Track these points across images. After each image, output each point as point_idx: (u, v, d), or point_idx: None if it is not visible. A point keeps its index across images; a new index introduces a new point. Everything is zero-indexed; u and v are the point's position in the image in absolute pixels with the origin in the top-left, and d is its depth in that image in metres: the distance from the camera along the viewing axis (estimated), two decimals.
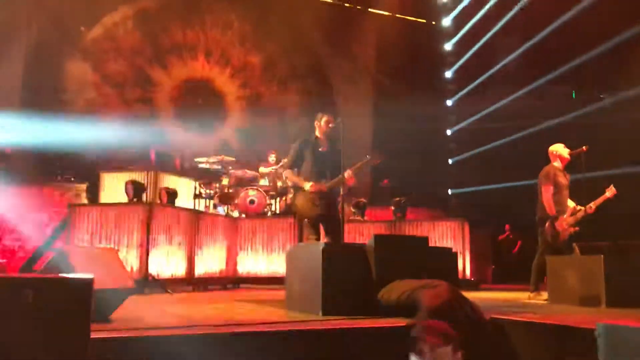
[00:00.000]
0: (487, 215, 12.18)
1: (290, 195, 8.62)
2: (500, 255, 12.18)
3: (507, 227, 13.18)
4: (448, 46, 14.89)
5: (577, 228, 6.16)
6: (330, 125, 5.57)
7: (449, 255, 4.58)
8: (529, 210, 6.70)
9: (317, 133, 5.66)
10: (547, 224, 6.20)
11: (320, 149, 5.59)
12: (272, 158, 9.88)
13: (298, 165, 5.61)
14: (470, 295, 3.92)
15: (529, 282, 6.38)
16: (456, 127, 14.73)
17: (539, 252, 6.33)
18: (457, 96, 14.75)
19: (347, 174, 5.29)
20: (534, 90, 13.03)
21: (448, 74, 14.89)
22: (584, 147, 6.26)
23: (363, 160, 5.56)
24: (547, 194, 6.26)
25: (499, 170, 12.96)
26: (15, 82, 10.78)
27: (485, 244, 10.32)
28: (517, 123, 13.16)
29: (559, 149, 6.40)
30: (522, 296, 6.37)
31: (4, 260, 7.70)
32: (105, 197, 8.63)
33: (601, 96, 12.63)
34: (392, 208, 8.92)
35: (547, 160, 6.50)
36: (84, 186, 8.98)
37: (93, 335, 2.33)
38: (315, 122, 5.67)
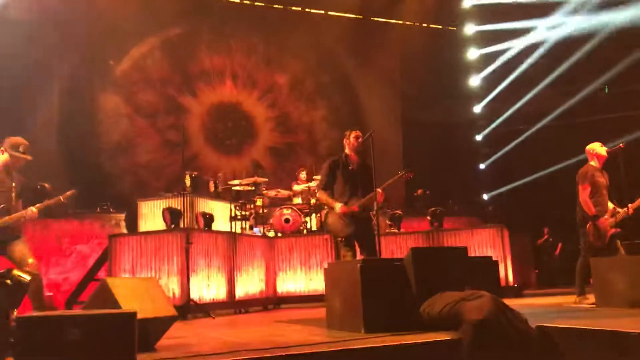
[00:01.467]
0: (526, 219, 11.99)
1: (324, 212, 8.62)
2: (541, 259, 11.93)
3: (545, 230, 12.93)
4: (473, 53, 14.79)
5: (618, 229, 6.00)
6: (359, 140, 5.55)
7: (489, 264, 4.51)
8: (568, 211, 6.55)
9: (347, 150, 5.65)
10: (588, 225, 6.06)
11: (350, 168, 5.58)
12: (303, 175, 9.91)
13: (330, 185, 5.60)
14: (514, 302, 3.86)
15: (574, 285, 6.23)
16: (485, 132, 14.59)
17: (582, 254, 6.18)
18: (484, 101, 14.63)
19: (378, 193, 5.23)
20: (563, 87, 12.88)
21: (475, 80, 14.77)
22: (621, 144, 6.13)
23: (395, 176, 5.53)
24: (584, 194, 6.13)
25: (532, 165, 12.83)
26: (51, 116, 11.12)
27: (526, 248, 10.13)
28: (550, 122, 13.02)
29: (596, 148, 6.25)
30: (568, 300, 6.22)
31: (51, 294, 7.88)
32: (143, 225, 8.78)
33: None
34: (429, 218, 8.83)
35: (584, 160, 6.38)
36: (122, 216, 9.15)
37: None
38: (345, 140, 5.67)
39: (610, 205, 6.12)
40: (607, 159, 6.20)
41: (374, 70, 13.97)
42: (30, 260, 4.35)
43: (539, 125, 13.00)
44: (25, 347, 2.04)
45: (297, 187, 9.81)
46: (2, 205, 4.42)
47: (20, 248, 4.43)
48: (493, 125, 14.34)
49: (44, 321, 2.05)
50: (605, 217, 6.04)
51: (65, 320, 2.08)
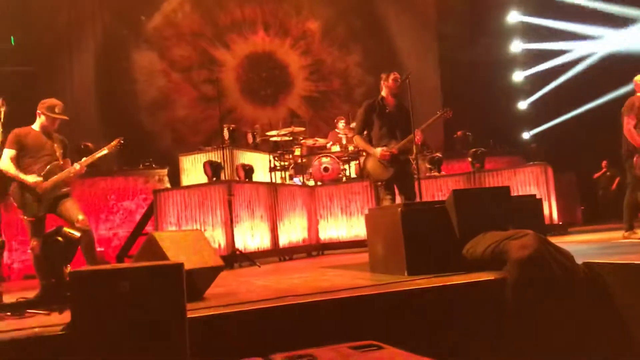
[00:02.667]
0: (574, 155, 11.66)
1: (362, 159, 8.60)
2: (593, 195, 11.62)
3: (604, 163, 12.49)
4: None
5: None
6: (397, 82, 5.45)
7: (532, 203, 4.43)
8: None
9: (383, 93, 5.57)
10: (635, 158, 5.87)
11: (387, 110, 5.51)
12: (341, 124, 9.85)
13: (367, 129, 5.55)
14: (560, 240, 3.80)
15: (623, 221, 6.10)
16: (526, 72, 14.10)
17: (630, 189, 6.02)
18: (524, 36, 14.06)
19: (417, 134, 5.18)
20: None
21: (513, 17, 14.17)
22: None
23: (434, 116, 5.45)
24: (629, 125, 5.90)
25: (577, 100, 12.39)
26: (88, 77, 11.29)
27: (572, 185, 9.93)
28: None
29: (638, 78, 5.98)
30: (615, 236, 6.10)
31: (102, 249, 8.18)
32: (185, 179, 8.95)
33: None
34: (469, 159, 8.69)
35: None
36: (165, 171, 9.33)
37: (190, 314, 2.44)
38: (382, 82, 5.58)
39: None
40: None
41: (407, 10, 13.56)
42: (80, 217, 4.47)
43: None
44: (80, 300, 2.14)
45: (334, 135, 9.76)
46: (48, 167, 4.54)
47: (69, 205, 4.56)
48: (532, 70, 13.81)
49: (95, 275, 2.14)
50: None
51: (116, 273, 2.16)
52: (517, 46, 14.14)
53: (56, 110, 4.61)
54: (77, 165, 4.60)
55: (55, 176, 4.53)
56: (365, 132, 5.60)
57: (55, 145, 4.66)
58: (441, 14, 13.51)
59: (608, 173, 12.31)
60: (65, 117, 4.69)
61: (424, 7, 13.65)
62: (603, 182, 12.31)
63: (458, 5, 12.80)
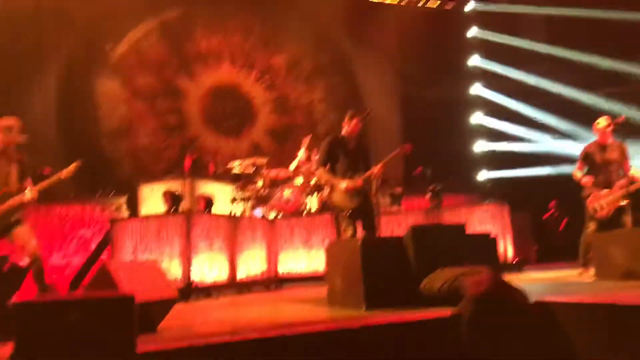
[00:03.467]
0: (528, 194, 11.99)
1: (325, 191, 8.61)
2: (545, 235, 11.93)
3: (552, 204, 12.86)
4: (472, 32, 14.68)
5: (624, 202, 5.99)
6: (359, 125, 5.61)
7: (488, 241, 4.51)
8: (575, 186, 6.52)
9: (345, 131, 5.69)
10: (588, 199, 6.11)
11: (349, 147, 5.64)
12: (301, 152, 9.87)
13: (330, 163, 5.65)
14: (515, 278, 3.87)
15: (576, 260, 6.27)
16: (483, 110, 14.57)
17: (585, 227, 6.22)
18: (482, 81, 14.57)
19: (378, 167, 5.37)
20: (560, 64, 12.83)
21: (474, 59, 14.67)
22: (622, 115, 6.11)
23: (393, 152, 5.56)
24: (576, 170, 6.27)
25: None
26: (49, 103, 11.09)
27: (527, 224, 10.15)
28: (544, 99, 13.00)
29: (597, 123, 6.24)
30: (569, 275, 6.25)
31: (54, 278, 7.92)
32: (144, 209, 8.79)
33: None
34: (428, 196, 8.83)
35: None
36: (123, 200, 9.14)
37: (141, 348, 2.38)
38: (346, 121, 5.70)
39: (632, 175, 6.06)
40: (614, 130, 6.17)
41: (371, 49, 13.86)
42: (32, 243, 4.34)
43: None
44: (24, 332, 2.06)
45: (292, 167, 9.72)
46: (1, 191, 4.41)
47: (21, 232, 4.42)
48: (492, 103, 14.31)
49: (41, 306, 2.07)
50: (604, 191, 6.04)
51: (63, 304, 2.09)
52: (476, 89, 14.60)
53: (12, 129, 4.49)
54: (28, 194, 4.46)
55: (6, 203, 4.40)
56: (328, 166, 5.67)
57: (12, 165, 4.52)
58: (404, 54, 13.85)
59: (556, 214, 12.66)
60: (23, 137, 4.57)
61: (387, 47, 13.97)
62: (552, 224, 12.65)
63: (420, 47, 13.14)
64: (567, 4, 12.15)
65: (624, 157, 6.14)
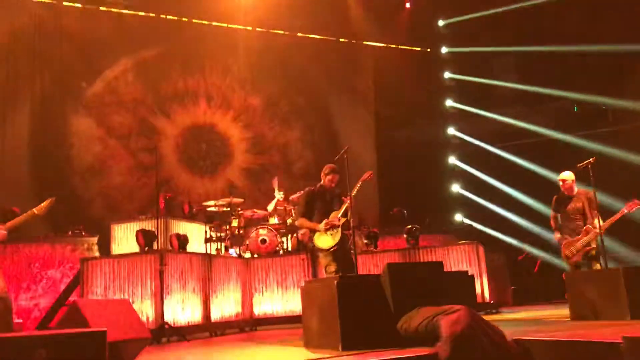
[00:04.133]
0: (503, 235, 12.13)
1: (301, 232, 8.60)
2: (520, 276, 12.00)
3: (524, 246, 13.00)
4: (447, 73, 15.04)
5: (591, 247, 6.27)
6: (333, 182, 5.89)
7: (465, 279, 4.52)
8: (547, 228, 6.82)
9: (323, 182, 5.95)
10: (562, 246, 6.44)
11: (326, 197, 5.91)
12: (275, 183, 9.90)
13: (309, 214, 5.87)
14: (491, 318, 3.86)
15: (552, 301, 6.40)
16: (458, 152, 14.82)
17: None
18: (457, 123, 14.88)
19: (348, 198, 5.59)
20: (534, 107, 13.21)
21: (449, 101, 14.98)
22: (591, 159, 6.27)
23: (358, 180, 5.81)
24: (553, 219, 6.76)
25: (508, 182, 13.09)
26: (21, 139, 10.93)
27: (502, 266, 10.20)
28: (521, 141, 13.29)
29: (564, 177, 6.56)
30: (545, 315, 6.27)
31: (20, 321, 7.66)
32: (116, 248, 8.63)
33: (603, 107, 12.70)
34: (405, 236, 8.85)
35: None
36: (95, 239, 8.97)
37: None
38: (322, 174, 5.97)
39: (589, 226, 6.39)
40: (578, 175, 6.48)
41: (347, 90, 14.07)
42: None
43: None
44: None
45: (270, 207, 9.71)
46: None
47: None
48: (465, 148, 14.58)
49: (10, 342, 1.98)
50: (573, 238, 6.44)
51: (33, 340, 2.01)
52: (451, 131, 14.88)
53: None
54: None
55: None
56: (306, 216, 5.89)
57: None
58: (380, 95, 14.09)
59: (530, 256, 12.78)
60: None
61: (363, 88, 14.21)
62: (526, 265, 12.74)
63: (396, 89, 13.37)
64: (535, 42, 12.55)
65: (590, 205, 6.47)
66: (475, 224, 13.35)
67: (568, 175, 6.60)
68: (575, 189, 6.62)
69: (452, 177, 14.79)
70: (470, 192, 14.27)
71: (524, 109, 13.36)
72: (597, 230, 6.17)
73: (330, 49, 13.87)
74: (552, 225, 6.79)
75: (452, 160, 14.84)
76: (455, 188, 14.68)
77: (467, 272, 5.27)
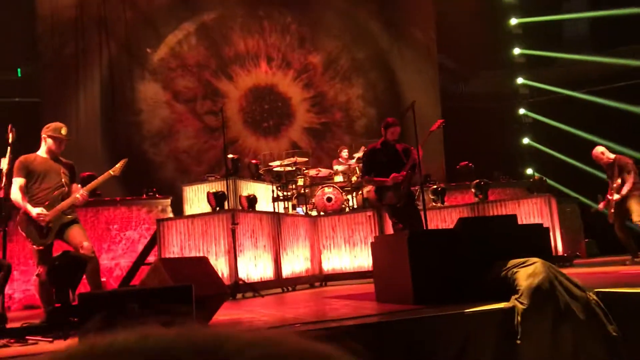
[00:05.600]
0: (578, 187, 11.67)
1: (366, 189, 8.61)
2: (594, 228, 11.58)
3: (600, 197, 12.46)
4: (514, 21, 14.36)
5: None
6: (395, 135, 5.80)
7: (540, 232, 4.40)
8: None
9: (384, 137, 5.88)
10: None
11: (389, 150, 5.84)
12: (344, 153, 9.90)
13: (372, 172, 5.84)
14: (565, 271, 3.77)
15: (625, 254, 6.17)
16: (529, 101, 14.22)
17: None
18: (526, 71, 14.22)
19: (417, 150, 5.58)
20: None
21: (516, 50, 14.34)
22: None
23: (427, 130, 5.93)
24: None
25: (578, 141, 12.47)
26: (94, 108, 11.39)
27: (575, 217, 9.90)
28: (593, 88, 12.60)
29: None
30: (621, 267, 6.07)
31: (104, 279, 8.11)
32: (189, 209, 8.93)
33: None
34: (473, 190, 8.68)
35: None
36: (168, 201, 9.29)
37: None
38: (382, 129, 5.90)
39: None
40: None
41: (409, 43, 13.72)
42: (85, 243, 4.43)
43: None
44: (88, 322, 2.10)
45: (337, 167, 9.79)
46: (54, 194, 4.52)
47: (75, 232, 4.51)
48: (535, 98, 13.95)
49: (105, 297, 2.11)
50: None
51: (125, 295, 2.13)
52: (520, 80, 14.27)
53: (62, 132, 4.61)
54: (78, 195, 4.55)
55: (59, 204, 4.50)
56: (372, 173, 5.88)
57: (63, 170, 4.64)
58: (442, 47, 13.67)
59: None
60: (70, 138, 4.70)
61: (426, 41, 13.81)
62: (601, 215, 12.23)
63: (459, 39, 12.94)
64: None
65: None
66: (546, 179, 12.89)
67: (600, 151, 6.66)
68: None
69: (522, 129, 14.27)
70: (542, 144, 13.70)
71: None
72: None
73: (390, 1, 13.51)
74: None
75: (522, 111, 14.28)
76: (526, 141, 14.18)
77: (541, 224, 5.13)
